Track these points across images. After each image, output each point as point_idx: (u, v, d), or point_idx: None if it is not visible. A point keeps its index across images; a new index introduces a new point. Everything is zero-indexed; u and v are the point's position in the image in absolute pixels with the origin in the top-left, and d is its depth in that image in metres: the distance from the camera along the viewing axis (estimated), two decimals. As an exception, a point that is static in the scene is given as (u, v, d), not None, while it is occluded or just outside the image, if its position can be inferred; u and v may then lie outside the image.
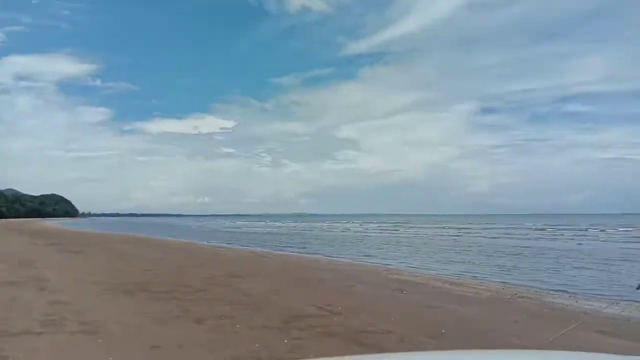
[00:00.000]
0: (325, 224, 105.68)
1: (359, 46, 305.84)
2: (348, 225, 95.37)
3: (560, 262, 23.97)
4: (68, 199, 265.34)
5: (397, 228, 76.39)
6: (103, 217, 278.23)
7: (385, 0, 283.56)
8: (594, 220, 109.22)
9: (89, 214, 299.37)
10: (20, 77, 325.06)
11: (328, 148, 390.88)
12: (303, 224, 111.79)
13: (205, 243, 37.44)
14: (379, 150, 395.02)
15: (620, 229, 62.62)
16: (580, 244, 37.37)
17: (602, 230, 58.46)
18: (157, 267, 16.34)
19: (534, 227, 72.07)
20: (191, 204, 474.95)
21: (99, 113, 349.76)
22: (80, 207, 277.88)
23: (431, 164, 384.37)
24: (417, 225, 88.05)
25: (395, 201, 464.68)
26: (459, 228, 74.18)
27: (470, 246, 35.58)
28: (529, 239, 45.41)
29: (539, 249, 33.03)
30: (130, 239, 37.34)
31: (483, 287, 15.09)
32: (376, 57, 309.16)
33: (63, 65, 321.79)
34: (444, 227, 77.70)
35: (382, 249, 33.65)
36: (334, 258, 25.61)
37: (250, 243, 39.00)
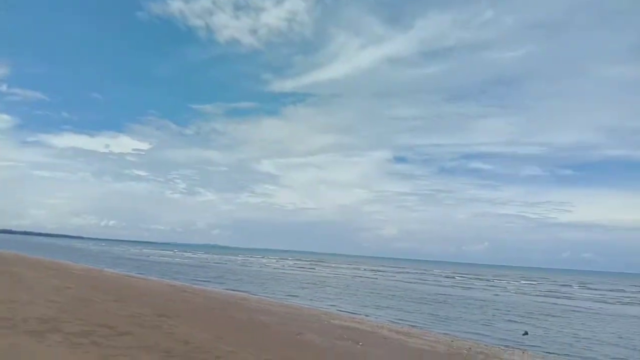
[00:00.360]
0: (239, 258, 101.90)
1: (284, 85, 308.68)
2: (263, 261, 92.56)
3: (488, 313, 23.81)
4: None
5: (314, 267, 75.12)
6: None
7: (313, 46, 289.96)
8: (494, 271, 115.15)
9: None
10: None
11: (246, 180, 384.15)
12: (215, 256, 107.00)
13: (113, 271, 33.69)
14: (297, 187, 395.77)
15: (522, 281, 65.87)
16: (496, 295, 38.16)
17: (508, 282, 61.00)
18: (64, 297, 13.54)
19: (443, 275, 73.94)
20: (93, 227, 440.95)
21: (0, 120, 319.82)
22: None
23: (344, 205, 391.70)
24: (332, 265, 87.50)
25: (309, 239, 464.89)
26: (373, 270, 74.46)
27: (391, 290, 34.99)
28: (443, 286, 45.90)
29: (460, 297, 33.09)
30: (26, 261, 32.61)
31: (432, 339, 14.01)
32: (300, 97, 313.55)
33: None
34: (358, 268, 77.71)
35: (306, 288, 32.02)
36: (261, 297, 23.62)
37: (163, 274, 35.76)
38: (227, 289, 26.53)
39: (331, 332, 12.93)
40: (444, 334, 15.95)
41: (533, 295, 40.25)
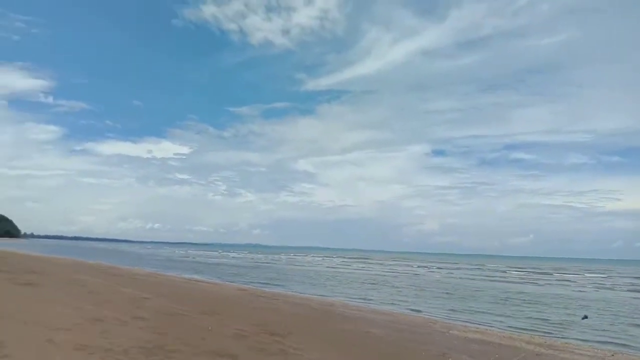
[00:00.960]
0: (283, 257, 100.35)
1: (318, 83, 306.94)
2: (309, 259, 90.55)
3: (605, 316, 20.76)
4: (9, 217, 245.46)
5: (362, 264, 72.62)
6: (46, 239, 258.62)
7: (345, 43, 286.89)
8: (547, 264, 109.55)
9: (32, 235, 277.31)
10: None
11: (284, 180, 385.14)
12: (260, 255, 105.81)
13: (173, 274, 32.11)
14: (334, 185, 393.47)
15: (587, 274, 61.48)
16: (579, 291, 34.74)
17: (575, 276, 56.80)
18: (149, 312, 11.53)
19: (500, 269, 70.07)
20: (139, 230, 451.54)
21: (49, 131, 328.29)
22: (23, 227, 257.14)
23: (383, 201, 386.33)
24: (380, 261, 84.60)
25: (348, 236, 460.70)
26: (425, 266, 71.17)
27: (463, 289, 32.01)
28: (512, 282, 42.54)
29: (541, 295, 29.92)
30: (89, 267, 31.35)
31: (586, 352, 11.36)
32: (334, 95, 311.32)
33: (14, 79, 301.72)
34: (410, 265, 74.52)
35: (373, 288, 29.51)
36: (341, 301, 21.33)
37: (222, 276, 34.03)
38: (299, 293, 24.35)
39: (469, 348, 10.45)
40: (589, 345, 13.23)
41: (619, 291, 36.52)
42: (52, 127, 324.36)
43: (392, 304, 21.75)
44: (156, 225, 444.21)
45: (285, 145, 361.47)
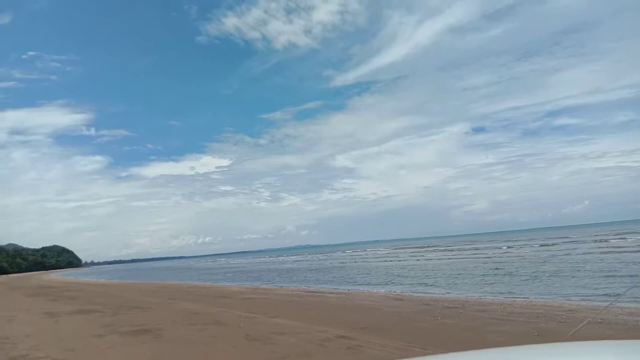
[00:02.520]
0: (342, 254, 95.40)
1: (347, 77, 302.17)
2: (370, 253, 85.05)
3: None
4: (69, 249, 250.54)
5: (433, 252, 66.86)
6: (106, 265, 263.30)
7: (368, 32, 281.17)
8: (610, 229, 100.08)
9: (92, 263, 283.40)
10: (15, 132, 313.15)
11: (324, 178, 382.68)
12: (320, 255, 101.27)
13: (275, 287, 27.58)
14: (376, 177, 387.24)
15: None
16: None
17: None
18: (314, 345, 6.89)
19: (592, 239, 62.75)
20: (192, 245, 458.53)
21: (95, 161, 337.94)
22: (82, 257, 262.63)
23: (428, 186, 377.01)
24: (449, 248, 78.30)
25: (397, 226, 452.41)
26: (501, 247, 64.48)
27: (583, 269, 26.20)
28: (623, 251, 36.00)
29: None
30: (176, 290, 27.13)
31: None
32: (364, 87, 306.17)
33: (56, 117, 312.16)
34: (487, 247, 67.88)
35: (486, 278, 24.16)
36: (473, 298, 16.18)
37: (321, 282, 29.37)
38: (429, 293, 19.29)
39: None
40: None
41: None
42: (97, 158, 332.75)
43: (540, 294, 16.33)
44: (207, 239, 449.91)
45: (321, 144, 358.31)
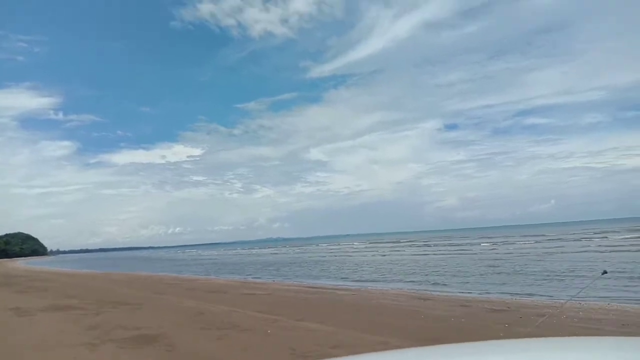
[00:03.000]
0: (318, 247, 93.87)
1: (323, 69, 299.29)
2: (346, 248, 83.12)
3: None
4: (34, 236, 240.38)
5: (417, 247, 65.87)
6: (73, 254, 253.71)
7: (345, 25, 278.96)
8: (576, 228, 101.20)
9: (58, 251, 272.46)
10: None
11: (298, 171, 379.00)
12: (295, 248, 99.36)
13: (274, 281, 25.36)
14: (349, 171, 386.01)
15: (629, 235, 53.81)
16: None
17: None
18: None
19: (575, 237, 62.69)
20: (162, 235, 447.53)
21: (63, 147, 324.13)
22: (48, 245, 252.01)
23: (400, 182, 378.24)
24: (429, 243, 77.45)
25: (368, 220, 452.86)
26: (489, 243, 63.57)
27: (589, 267, 25.11)
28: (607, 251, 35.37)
29: None
30: (157, 282, 24.60)
31: None
32: (340, 80, 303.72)
33: (23, 100, 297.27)
34: (470, 243, 67.03)
35: (487, 276, 22.72)
36: (494, 296, 14.58)
37: (308, 277, 27.34)
38: (449, 292, 17.56)
39: None
40: None
41: None
42: (65, 143, 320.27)
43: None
44: (177, 229, 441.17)
45: (295, 136, 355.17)
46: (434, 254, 43.89)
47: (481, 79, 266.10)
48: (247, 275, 31.29)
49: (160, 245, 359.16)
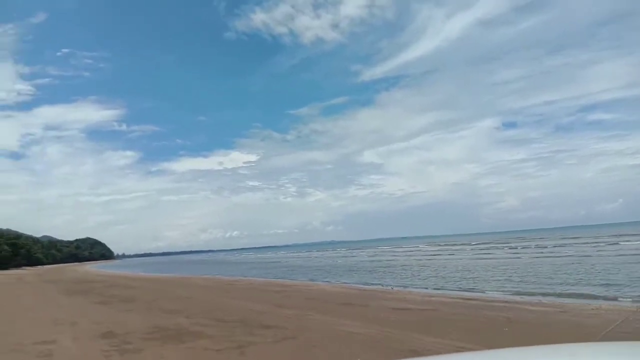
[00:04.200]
0: (380, 250, 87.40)
1: (374, 72, 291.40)
2: (413, 250, 76.16)
3: None
4: (102, 241, 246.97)
5: (492, 250, 58.63)
6: (137, 258, 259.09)
7: (397, 26, 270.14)
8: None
9: (124, 256, 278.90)
10: (49, 127, 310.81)
11: (351, 174, 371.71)
12: (360, 251, 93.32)
13: (391, 288, 19.94)
14: (403, 173, 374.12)
15: None
16: None
17: None
18: None
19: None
20: (219, 239, 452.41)
21: (126, 156, 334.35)
22: (114, 249, 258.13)
23: (457, 182, 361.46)
24: (507, 246, 69.52)
25: (424, 222, 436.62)
26: (564, 244, 55.51)
27: None
28: None
29: None
30: (271, 290, 19.62)
31: None
32: (392, 82, 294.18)
33: (89, 113, 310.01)
34: (545, 246, 58.78)
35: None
36: None
37: (415, 282, 21.70)
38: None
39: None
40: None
41: None
42: (129, 153, 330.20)
43: None
44: (235, 233, 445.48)
45: (348, 139, 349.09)
46: (536, 257, 36.95)
47: (540, 75, 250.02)
48: (346, 279, 25.99)
49: (218, 249, 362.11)
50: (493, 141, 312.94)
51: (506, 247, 61.90)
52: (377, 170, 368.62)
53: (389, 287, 19.51)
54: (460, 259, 41.63)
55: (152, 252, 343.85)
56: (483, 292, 17.06)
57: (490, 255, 44.35)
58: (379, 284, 21.53)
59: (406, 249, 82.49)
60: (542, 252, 42.33)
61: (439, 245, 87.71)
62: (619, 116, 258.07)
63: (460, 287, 18.96)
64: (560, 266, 25.18)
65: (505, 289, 17.57)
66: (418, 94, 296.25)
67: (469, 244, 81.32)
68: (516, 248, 56.43)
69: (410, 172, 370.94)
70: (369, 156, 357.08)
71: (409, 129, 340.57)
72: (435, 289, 18.77)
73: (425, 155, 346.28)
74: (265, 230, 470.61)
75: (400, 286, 20.00)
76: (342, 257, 67.80)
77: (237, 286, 22.67)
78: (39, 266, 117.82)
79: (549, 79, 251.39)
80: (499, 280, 21.02)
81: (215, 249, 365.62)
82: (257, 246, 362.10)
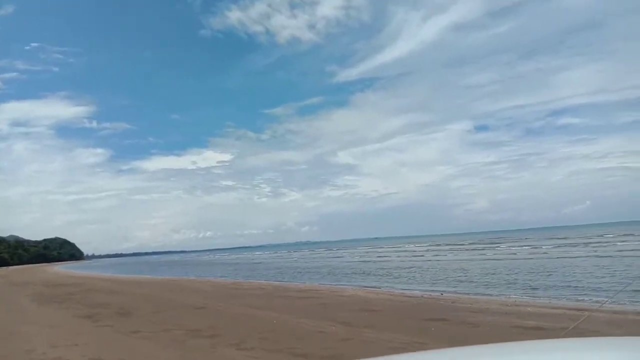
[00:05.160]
0: (354, 250, 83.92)
1: (350, 73, 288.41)
2: (388, 251, 72.76)
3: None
4: (71, 241, 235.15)
5: (475, 250, 56.23)
6: (108, 259, 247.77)
7: (373, 28, 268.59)
8: (613, 229, 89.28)
9: (93, 256, 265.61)
10: (17, 124, 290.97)
11: (326, 175, 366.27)
12: (336, 251, 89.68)
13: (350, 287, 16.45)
14: (377, 174, 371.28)
15: None
16: None
17: None
18: None
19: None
20: (192, 240, 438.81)
21: (96, 154, 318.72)
22: (83, 249, 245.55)
23: (429, 184, 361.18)
24: (478, 247, 67.38)
25: (397, 223, 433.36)
26: (552, 246, 53.63)
27: None
28: None
29: None
30: (297, 295, 15.62)
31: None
32: (367, 83, 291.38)
33: (58, 109, 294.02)
34: (536, 246, 56.76)
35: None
36: None
37: (397, 282, 18.39)
38: None
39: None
40: None
41: None
42: (99, 150, 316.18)
43: None
44: (208, 234, 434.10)
45: (323, 139, 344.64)
46: (511, 258, 34.28)
47: (512, 79, 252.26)
48: (366, 283, 22.37)
49: (192, 250, 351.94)
50: (465, 143, 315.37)
51: (490, 247, 59.83)
52: (351, 171, 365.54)
53: (439, 294, 15.93)
54: (461, 261, 38.59)
55: (123, 252, 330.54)
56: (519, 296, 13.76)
57: (482, 255, 41.74)
58: (416, 290, 18.02)
59: (392, 249, 79.41)
60: (526, 251, 39.78)
61: (432, 245, 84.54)
62: (587, 120, 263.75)
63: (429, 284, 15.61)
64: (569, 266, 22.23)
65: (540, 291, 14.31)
66: (393, 96, 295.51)
67: (456, 244, 79.06)
68: (500, 247, 54.37)
69: (384, 173, 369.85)
70: (343, 157, 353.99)
71: (383, 131, 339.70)
72: (497, 294, 15.31)
73: (399, 156, 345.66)
74: (239, 231, 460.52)
75: (452, 292, 16.44)
76: (331, 257, 63.83)
77: (247, 291, 18.66)
78: (4, 267, 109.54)
79: (520, 84, 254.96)
80: (508, 281, 17.82)
81: (188, 250, 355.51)
82: (230, 247, 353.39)
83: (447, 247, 68.39)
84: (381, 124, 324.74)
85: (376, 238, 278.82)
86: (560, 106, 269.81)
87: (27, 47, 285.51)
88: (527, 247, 51.60)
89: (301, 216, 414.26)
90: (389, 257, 51.66)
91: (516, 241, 73.08)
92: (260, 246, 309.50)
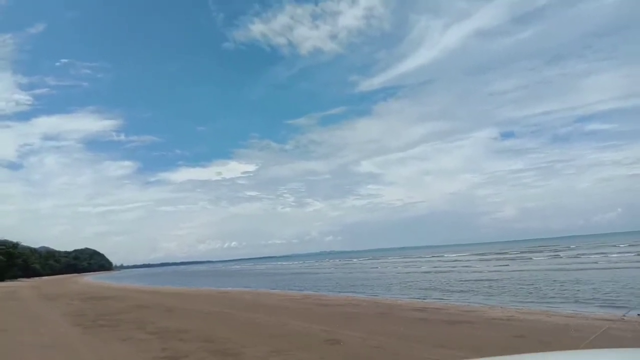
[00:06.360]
0: (391, 260, 78.51)
1: (372, 82, 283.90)
2: (424, 260, 67.65)
3: None
4: (100, 252, 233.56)
5: (509, 262, 50.39)
6: (136, 269, 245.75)
7: (395, 37, 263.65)
8: None
9: (122, 266, 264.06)
10: (47, 138, 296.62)
11: (349, 184, 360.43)
12: (366, 261, 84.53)
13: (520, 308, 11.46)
14: (401, 183, 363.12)
15: None
16: None
17: None
18: None
19: None
20: (218, 250, 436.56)
21: (124, 167, 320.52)
22: (111, 260, 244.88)
23: (455, 192, 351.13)
24: (522, 257, 61.27)
25: (422, 233, 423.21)
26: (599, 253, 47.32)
27: None
28: None
29: None
30: (382, 311, 10.83)
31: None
32: (389, 92, 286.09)
33: (87, 123, 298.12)
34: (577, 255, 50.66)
35: None
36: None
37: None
38: None
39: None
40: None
41: None
42: (127, 163, 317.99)
43: None
44: (233, 244, 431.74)
45: (346, 149, 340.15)
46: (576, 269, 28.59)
47: (537, 85, 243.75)
48: (386, 292, 17.40)
49: (217, 260, 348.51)
50: (491, 151, 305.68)
51: (526, 258, 53.82)
52: (375, 180, 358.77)
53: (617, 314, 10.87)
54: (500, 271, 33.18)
55: (151, 262, 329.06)
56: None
57: (543, 266, 36.15)
58: (558, 308, 13.03)
59: (433, 258, 73.76)
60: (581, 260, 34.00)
61: (476, 255, 78.44)
62: (616, 126, 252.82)
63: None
64: None
65: None
66: (416, 104, 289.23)
67: (502, 253, 73.05)
68: (557, 257, 48.43)
69: (408, 182, 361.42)
70: (366, 166, 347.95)
71: (406, 139, 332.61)
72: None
73: (423, 165, 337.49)
74: (264, 241, 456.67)
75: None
76: (376, 267, 58.50)
77: (348, 309, 13.79)
78: (36, 277, 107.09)
79: (546, 89, 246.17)
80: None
81: (213, 260, 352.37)
82: (255, 257, 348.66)
83: (493, 257, 62.75)
84: (404, 132, 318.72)
85: (403, 247, 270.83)
86: (587, 112, 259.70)
87: (58, 64, 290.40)
88: (597, 255, 46.03)
89: (325, 226, 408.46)
90: (442, 267, 46.31)
91: (572, 249, 66.90)
92: (285, 256, 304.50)
